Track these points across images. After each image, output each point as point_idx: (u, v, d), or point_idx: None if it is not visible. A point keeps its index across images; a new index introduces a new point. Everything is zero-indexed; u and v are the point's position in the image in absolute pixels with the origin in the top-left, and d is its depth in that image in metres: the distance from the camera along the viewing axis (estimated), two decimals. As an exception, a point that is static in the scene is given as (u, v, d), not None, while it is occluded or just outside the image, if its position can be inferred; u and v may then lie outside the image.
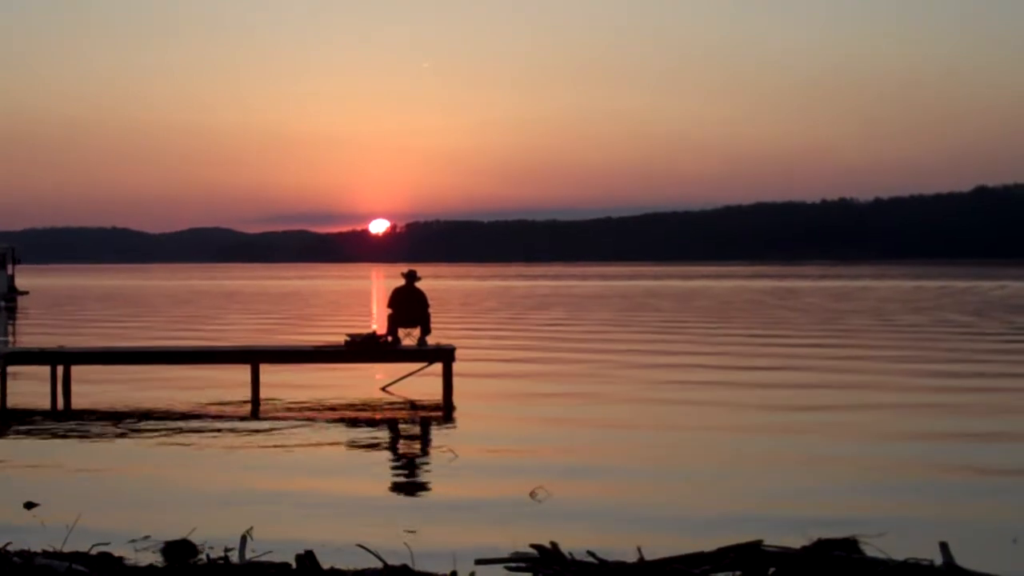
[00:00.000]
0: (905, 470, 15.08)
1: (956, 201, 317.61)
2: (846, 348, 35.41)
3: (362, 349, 23.20)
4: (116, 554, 9.71)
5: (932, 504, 13.04)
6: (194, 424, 19.62)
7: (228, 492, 13.81)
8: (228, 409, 21.44)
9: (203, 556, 9.77)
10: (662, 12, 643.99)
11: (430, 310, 24.28)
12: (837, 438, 17.80)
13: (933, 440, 17.66)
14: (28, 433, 18.88)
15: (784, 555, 8.48)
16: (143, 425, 19.55)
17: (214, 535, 10.86)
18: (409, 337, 23.85)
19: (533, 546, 8.78)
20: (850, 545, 8.69)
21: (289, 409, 21.30)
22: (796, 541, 9.11)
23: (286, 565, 8.91)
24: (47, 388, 22.77)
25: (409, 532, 11.63)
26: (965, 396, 23.19)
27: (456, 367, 23.10)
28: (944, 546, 8.44)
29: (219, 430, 18.98)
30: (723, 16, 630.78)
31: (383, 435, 18.93)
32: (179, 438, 18.25)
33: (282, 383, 24.41)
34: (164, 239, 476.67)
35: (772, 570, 8.42)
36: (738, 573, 8.39)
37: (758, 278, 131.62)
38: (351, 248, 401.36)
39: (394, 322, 23.84)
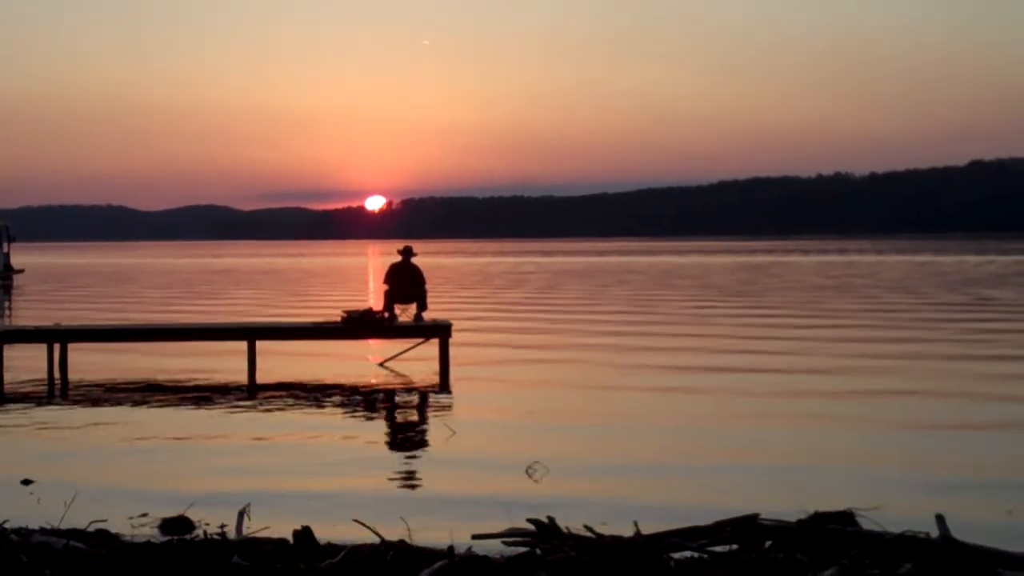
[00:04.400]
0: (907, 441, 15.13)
1: (951, 175, 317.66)
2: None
3: (359, 325, 23.18)
4: (113, 531, 9.71)
5: (929, 476, 13.09)
6: (191, 401, 19.63)
7: (225, 467, 13.83)
8: (225, 386, 21.44)
9: (200, 532, 9.78)
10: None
11: (426, 286, 24.27)
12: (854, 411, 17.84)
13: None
14: (25, 411, 18.86)
15: (780, 528, 8.50)
16: (140, 402, 19.55)
17: (212, 510, 10.88)
18: (405, 313, 23.83)
19: (530, 520, 8.78)
20: (846, 518, 8.70)
21: (286, 385, 21.29)
22: (792, 514, 9.12)
23: (283, 541, 8.91)
24: (44, 366, 22.75)
25: (406, 506, 11.65)
26: None
27: (453, 342, 23.09)
28: (940, 518, 8.43)
29: (216, 406, 18.99)
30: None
31: (380, 411, 18.94)
32: (176, 415, 18.26)
33: (279, 359, 24.38)
34: (159, 217, 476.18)
35: (768, 543, 8.44)
36: (735, 547, 8.41)
37: (752, 253, 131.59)
38: (347, 225, 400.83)
39: (390, 298, 23.83)
